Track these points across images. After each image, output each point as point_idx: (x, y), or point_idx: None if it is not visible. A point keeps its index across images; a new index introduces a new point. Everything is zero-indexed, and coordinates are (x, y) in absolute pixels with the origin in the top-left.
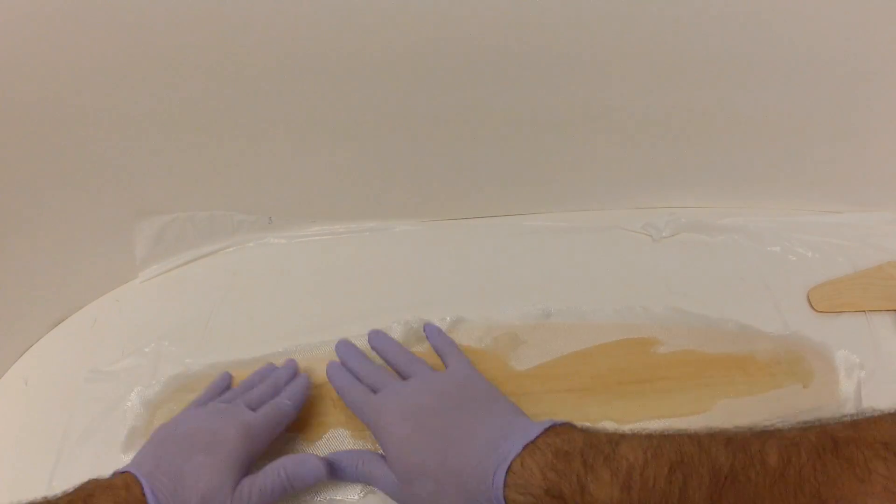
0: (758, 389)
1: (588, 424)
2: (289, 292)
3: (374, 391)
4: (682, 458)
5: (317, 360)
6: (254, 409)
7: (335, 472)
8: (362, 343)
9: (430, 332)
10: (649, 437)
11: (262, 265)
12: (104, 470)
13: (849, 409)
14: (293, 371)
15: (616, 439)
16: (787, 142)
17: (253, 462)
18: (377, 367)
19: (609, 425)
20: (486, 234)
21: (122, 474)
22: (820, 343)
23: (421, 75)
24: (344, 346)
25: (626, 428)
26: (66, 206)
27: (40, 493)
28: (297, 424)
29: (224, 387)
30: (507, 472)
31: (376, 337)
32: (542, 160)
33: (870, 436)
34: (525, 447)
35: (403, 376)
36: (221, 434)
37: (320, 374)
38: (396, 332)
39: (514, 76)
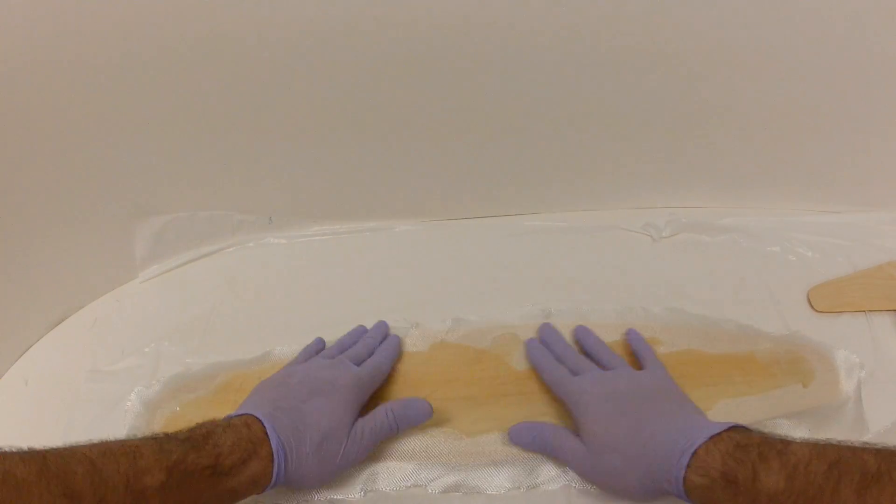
0: (758, 389)
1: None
2: (289, 292)
3: (574, 374)
4: (840, 459)
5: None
6: (356, 365)
7: (524, 441)
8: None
9: (632, 337)
10: (815, 441)
11: (262, 265)
12: None
13: (849, 408)
14: (384, 332)
15: (787, 440)
16: (788, 142)
17: (361, 409)
18: (579, 354)
19: None
20: (486, 234)
21: (241, 415)
22: (820, 343)
23: (421, 75)
24: (548, 329)
25: None
26: (66, 206)
27: None
28: None
29: (318, 349)
30: (691, 456)
31: (584, 332)
32: (542, 160)
33: None
34: (711, 437)
35: (604, 367)
36: (337, 381)
37: None
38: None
39: (515, 76)
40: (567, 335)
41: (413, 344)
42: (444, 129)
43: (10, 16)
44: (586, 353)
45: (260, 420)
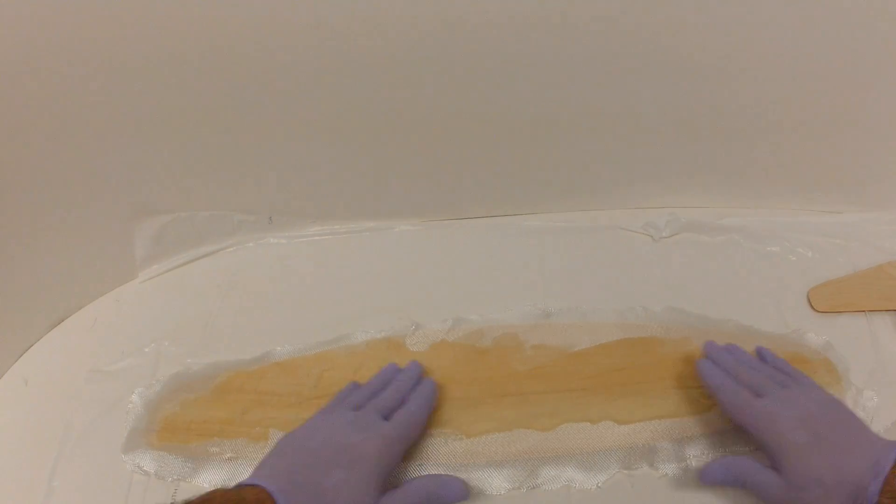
0: None
1: None
2: (289, 292)
3: (758, 395)
4: None
5: (317, 360)
6: (386, 418)
7: (717, 480)
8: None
9: (766, 354)
10: None
11: (262, 265)
12: (104, 470)
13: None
14: (418, 374)
15: None
16: (787, 142)
17: (389, 476)
18: (757, 375)
19: (609, 425)
20: (486, 234)
21: (251, 487)
22: (820, 343)
23: (421, 75)
24: (714, 347)
25: (627, 427)
26: (66, 206)
27: (40, 493)
28: None
29: (348, 394)
30: (884, 481)
31: (763, 350)
32: (542, 160)
33: None
34: None
35: (783, 384)
36: (361, 449)
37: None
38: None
39: (515, 76)
40: (566, 335)
41: (413, 344)
42: (444, 129)
43: (11, 16)
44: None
45: (273, 497)
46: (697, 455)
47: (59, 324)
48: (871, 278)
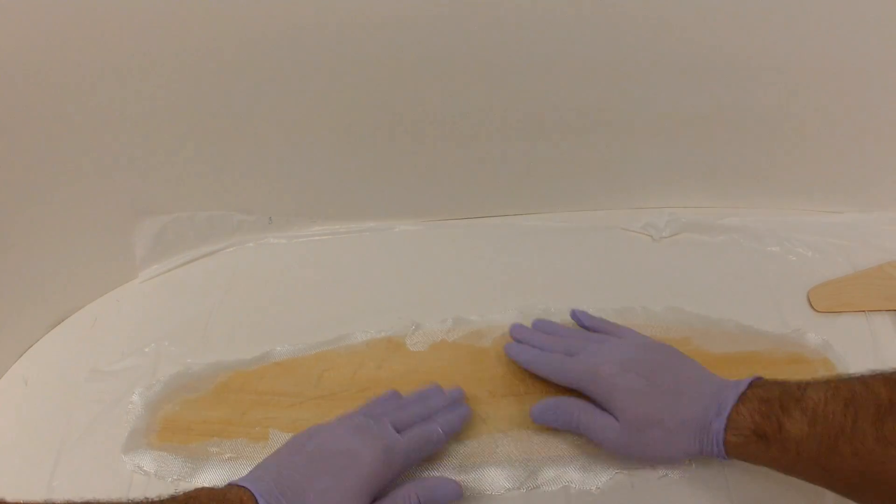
0: None
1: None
2: (289, 292)
3: (570, 356)
4: (854, 396)
5: (317, 360)
6: (399, 431)
7: (548, 419)
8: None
9: (580, 316)
10: (827, 381)
11: (262, 265)
12: (104, 470)
13: None
14: (457, 399)
15: (803, 385)
16: (787, 142)
17: (386, 488)
18: (556, 338)
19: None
20: (486, 234)
21: (236, 487)
22: (820, 343)
23: (421, 75)
24: (519, 328)
25: None
26: (66, 206)
27: (40, 494)
28: None
29: (379, 402)
30: (727, 418)
31: (544, 323)
32: (542, 160)
33: None
34: (739, 398)
35: (596, 341)
36: (357, 456)
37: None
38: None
39: (515, 76)
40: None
41: (413, 344)
42: (444, 129)
43: (11, 15)
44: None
45: (255, 499)
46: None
47: (59, 324)
48: (871, 278)
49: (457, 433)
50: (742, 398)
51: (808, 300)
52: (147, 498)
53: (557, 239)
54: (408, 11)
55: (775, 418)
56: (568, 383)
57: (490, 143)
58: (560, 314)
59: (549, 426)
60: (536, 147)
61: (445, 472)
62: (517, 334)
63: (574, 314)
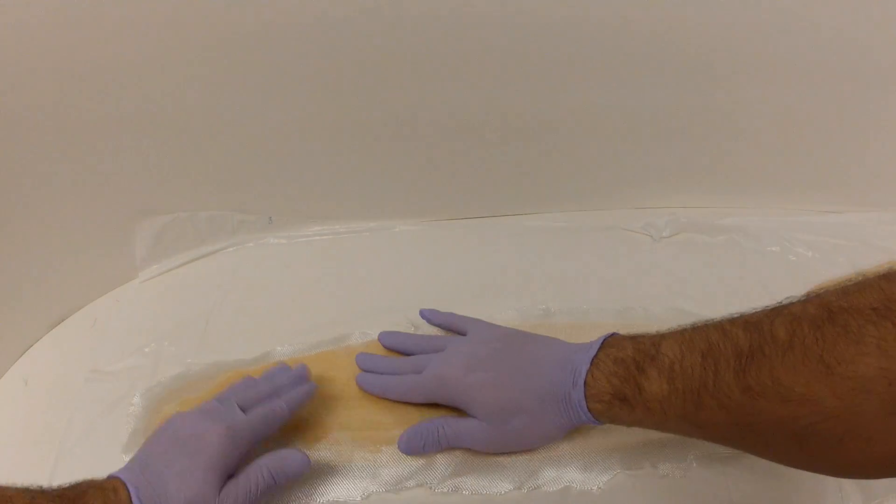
0: None
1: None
2: (289, 292)
3: (418, 373)
4: (710, 346)
5: (317, 360)
6: (245, 410)
7: (416, 448)
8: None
9: (431, 315)
10: (682, 332)
11: (262, 265)
12: (104, 470)
13: None
14: (301, 376)
15: (657, 340)
16: (787, 142)
17: (239, 463)
18: (403, 359)
19: (611, 424)
20: (486, 234)
21: (114, 477)
22: None
23: (421, 75)
24: (364, 357)
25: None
26: (66, 206)
27: None
28: (296, 428)
29: (234, 388)
30: (584, 387)
31: (388, 336)
32: (542, 160)
33: (860, 303)
34: (591, 362)
35: (438, 349)
36: (204, 437)
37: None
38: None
39: (515, 76)
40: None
41: None
42: (443, 129)
43: (11, 15)
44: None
45: (126, 486)
46: (700, 455)
47: (59, 324)
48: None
49: (300, 406)
50: (595, 362)
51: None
52: (40, 486)
53: (557, 239)
54: (408, 11)
55: (632, 380)
56: (424, 400)
57: (490, 143)
58: (560, 314)
59: (423, 453)
60: (537, 147)
61: (446, 470)
62: (363, 364)
63: (422, 314)
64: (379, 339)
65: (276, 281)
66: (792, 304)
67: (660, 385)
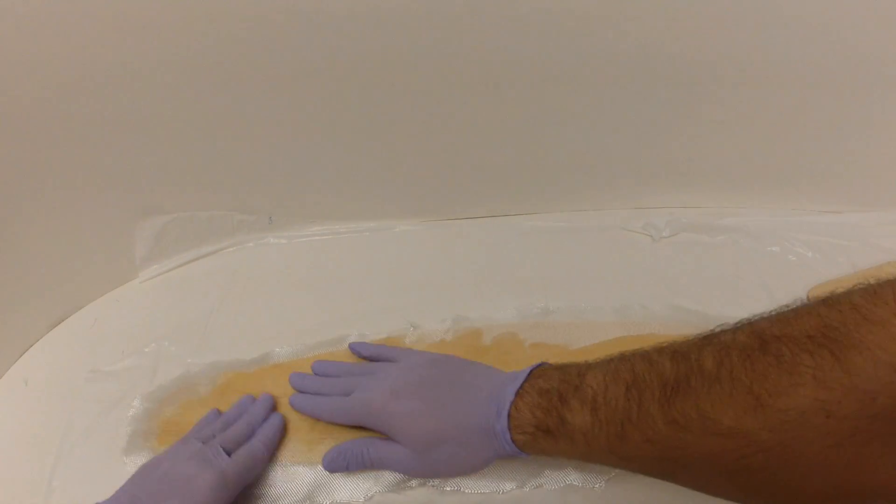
0: None
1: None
2: (289, 292)
3: (346, 396)
4: (635, 377)
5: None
6: (229, 453)
7: (339, 467)
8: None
9: (361, 347)
10: (609, 362)
11: (262, 265)
12: (104, 470)
13: None
14: (269, 407)
15: (583, 370)
16: (787, 142)
17: None
18: (334, 379)
19: None
20: (486, 234)
21: None
22: None
23: (421, 75)
24: (298, 376)
25: None
26: (66, 206)
27: (40, 493)
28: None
29: (205, 423)
30: (508, 418)
31: (320, 365)
32: (542, 160)
33: (796, 330)
34: (516, 393)
35: (368, 374)
36: (196, 482)
37: None
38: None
39: (515, 77)
40: (565, 333)
41: (412, 344)
42: (444, 129)
43: (12, 15)
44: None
45: None
46: None
47: (59, 324)
48: (871, 278)
49: (276, 446)
50: (520, 393)
51: (808, 300)
52: None
53: (557, 239)
54: (408, 11)
55: (555, 412)
56: (350, 423)
57: (490, 143)
58: (560, 314)
59: (343, 472)
60: (537, 147)
61: None
62: (296, 384)
63: (352, 347)
64: (312, 367)
65: (276, 281)
66: (724, 331)
67: (583, 417)
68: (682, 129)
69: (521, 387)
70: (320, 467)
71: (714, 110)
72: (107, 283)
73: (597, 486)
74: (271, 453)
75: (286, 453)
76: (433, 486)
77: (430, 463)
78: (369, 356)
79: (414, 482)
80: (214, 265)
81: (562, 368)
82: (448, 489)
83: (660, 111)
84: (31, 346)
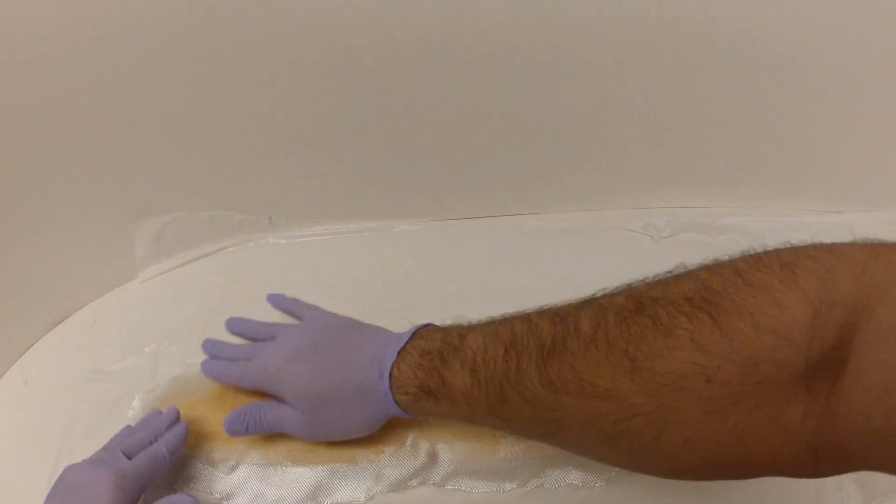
0: None
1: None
2: (289, 292)
3: (249, 360)
4: (514, 338)
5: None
6: (130, 457)
7: (239, 430)
8: None
9: (275, 300)
10: (489, 324)
11: (262, 265)
12: None
13: None
14: (174, 418)
15: (464, 332)
16: (787, 142)
17: None
18: (242, 345)
19: None
20: (486, 234)
21: None
22: None
23: (421, 75)
24: (209, 342)
25: None
26: (66, 206)
27: (41, 494)
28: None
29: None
30: (390, 378)
31: (234, 323)
32: (542, 160)
33: (674, 293)
34: (399, 353)
35: (271, 337)
36: (96, 487)
37: None
38: None
39: (515, 76)
40: None
41: None
42: (443, 128)
43: (10, 14)
44: (251, 338)
45: None
46: None
47: (59, 324)
48: None
49: (180, 450)
50: (402, 354)
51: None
52: None
53: (557, 239)
54: (408, 11)
55: (436, 372)
56: (253, 388)
57: (490, 142)
58: None
59: (245, 435)
60: (536, 147)
61: (448, 469)
62: (207, 350)
63: (269, 298)
64: (226, 325)
65: (276, 281)
66: (605, 295)
67: (462, 377)
68: (683, 128)
69: (404, 347)
70: (321, 468)
71: (714, 110)
72: (107, 283)
73: (598, 485)
74: (174, 455)
75: (286, 454)
76: (434, 485)
77: (320, 424)
78: (283, 309)
79: (415, 481)
80: (214, 265)
81: (444, 329)
82: (449, 488)
83: (660, 111)
84: (31, 346)
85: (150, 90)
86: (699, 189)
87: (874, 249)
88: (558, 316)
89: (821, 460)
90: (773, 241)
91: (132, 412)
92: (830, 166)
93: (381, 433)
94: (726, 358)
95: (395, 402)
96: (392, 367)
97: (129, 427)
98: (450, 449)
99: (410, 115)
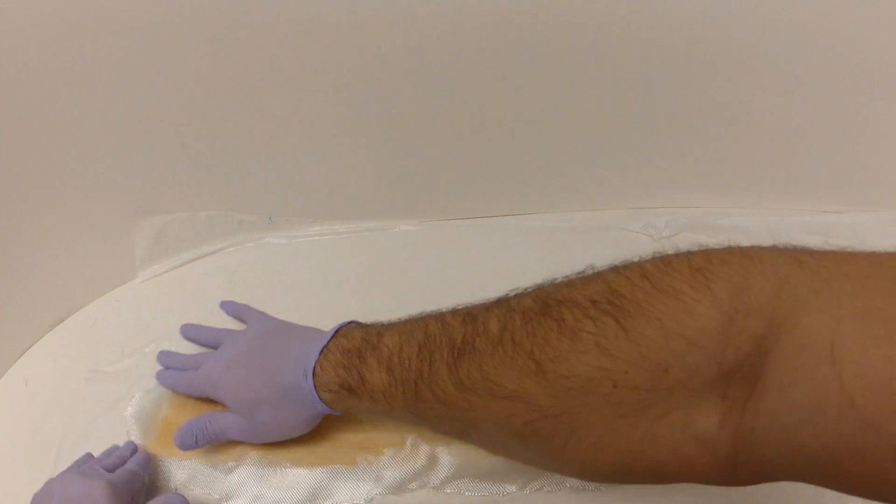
0: None
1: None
2: (289, 292)
3: (196, 369)
4: (427, 337)
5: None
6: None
7: (189, 444)
8: None
9: (226, 306)
10: (406, 323)
11: (262, 265)
12: None
13: None
14: (134, 448)
15: (382, 330)
16: (787, 142)
17: None
18: (193, 355)
19: None
20: (486, 234)
21: None
22: None
23: (421, 75)
24: (164, 354)
25: None
26: (66, 206)
27: None
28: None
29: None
30: (314, 377)
31: (188, 329)
32: (542, 160)
33: (579, 295)
34: (321, 352)
35: (217, 347)
36: (93, 494)
37: None
38: None
39: (515, 76)
40: None
41: None
42: (444, 129)
43: (10, 14)
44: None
45: None
46: None
47: (59, 324)
48: None
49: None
50: (324, 352)
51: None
52: None
53: (557, 239)
54: (407, 11)
55: (356, 370)
56: (200, 396)
57: (490, 143)
58: None
59: (196, 448)
60: (537, 147)
61: (448, 471)
62: (161, 361)
63: (222, 305)
64: (180, 331)
65: (276, 281)
66: (515, 295)
67: (380, 375)
68: (683, 128)
69: (326, 346)
70: (320, 470)
71: (714, 110)
72: (107, 283)
73: (597, 488)
74: (146, 474)
75: (285, 455)
76: (433, 487)
77: (257, 426)
78: (233, 315)
79: (414, 484)
80: (214, 265)
81: (364, 328)
82: (449, 491)
83: (659, 111)
84: (31, 346)
85: (151, 90)
86: (699, 189)
87: (796, 257)
88: (470, 316)
89: (739, 471)
90: (773, 241)
91: (132, 411)
92: (830, 166)
93: (381, 434)
94: (633, 363)
95: (321, 399)
96: (315, 366)
97: (89, 454)
98: (449, 451)
99: (411, 116)
